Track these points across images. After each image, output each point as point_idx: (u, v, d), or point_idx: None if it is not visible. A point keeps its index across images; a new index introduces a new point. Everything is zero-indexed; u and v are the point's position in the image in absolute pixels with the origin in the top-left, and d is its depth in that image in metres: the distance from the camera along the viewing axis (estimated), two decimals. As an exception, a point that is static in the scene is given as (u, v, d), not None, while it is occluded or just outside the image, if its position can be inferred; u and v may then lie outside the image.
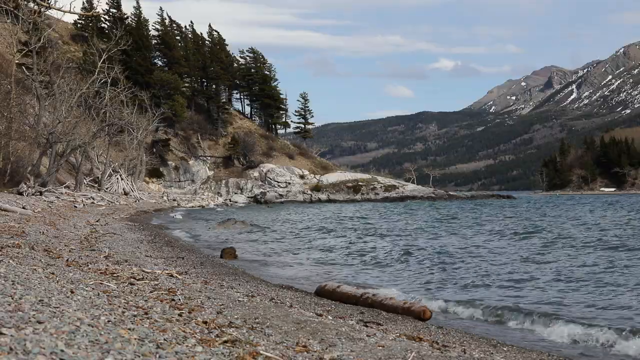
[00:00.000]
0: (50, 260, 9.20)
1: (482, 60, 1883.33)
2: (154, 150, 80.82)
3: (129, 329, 4.46)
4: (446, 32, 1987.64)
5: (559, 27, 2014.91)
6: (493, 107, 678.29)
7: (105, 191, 52.92)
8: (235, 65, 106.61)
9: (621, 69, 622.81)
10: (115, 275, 8.78)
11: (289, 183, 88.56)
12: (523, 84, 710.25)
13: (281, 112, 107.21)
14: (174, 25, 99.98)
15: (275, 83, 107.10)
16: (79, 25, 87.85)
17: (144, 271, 9.80)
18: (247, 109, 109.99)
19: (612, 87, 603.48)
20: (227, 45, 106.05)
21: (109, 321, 4.60)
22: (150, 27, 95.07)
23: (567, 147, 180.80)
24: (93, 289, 6.69)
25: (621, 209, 53.14)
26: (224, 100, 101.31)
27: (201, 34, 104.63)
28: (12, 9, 43.94)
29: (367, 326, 7.96)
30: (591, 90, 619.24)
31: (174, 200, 64.74)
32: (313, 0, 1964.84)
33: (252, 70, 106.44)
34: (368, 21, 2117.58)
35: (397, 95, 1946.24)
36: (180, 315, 5.84)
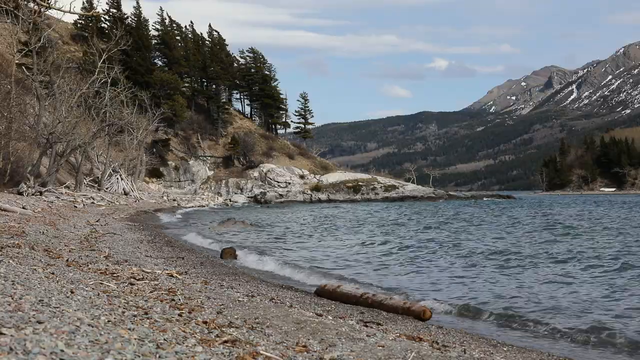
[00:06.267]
0: (50, 260, 9.20)
1: (478, 60, 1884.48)
2: (154, 150, 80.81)
3: (129, 329, 4.47)
4: (442, 32, 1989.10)
5: (557, 27, 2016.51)
6: (493, 107, 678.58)
7: (105, 191, 52.92)
8: (235, 65, 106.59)
9: (621, 69, 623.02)
10: (115, 275, 8.78)
11: (289, 183, 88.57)
12: (523, 84, 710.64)
13: (281, 112, 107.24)
14: (174, 25, 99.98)
15: (275, 83, 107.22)
16: (79, 25, 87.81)
17: (144, 271, 9.80)
18: (247, 109, 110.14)
19: (612, 87, 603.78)
20: (227, 45, 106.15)
21: (109, 321, 4.61)
22: (150, 27, 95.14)
23: (567, 147, 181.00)
24: (93, 289, 6.69)
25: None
26: (224, 100, 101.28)
27: (201, 34, 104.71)
28: (12, 9, 43.90)
29: (367, 326, 7.96)
30: (591, 90, 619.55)
31: (174, 200, 64.73)
32: (309, 0, 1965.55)
33: (252, 70, 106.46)
34: (363, 21, 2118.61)
35: (395, 95, 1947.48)
36: (180, 315, 5.84)
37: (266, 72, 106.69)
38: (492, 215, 47.86)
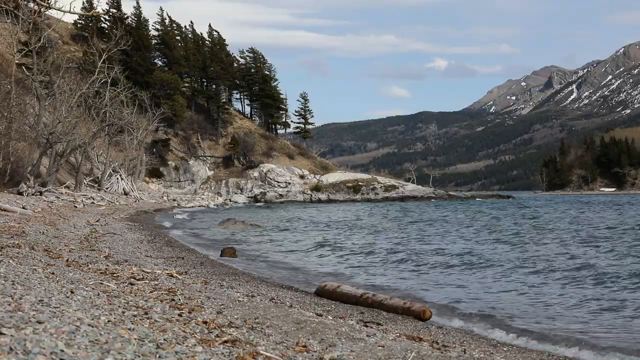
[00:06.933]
0: (50, 260, 9.20)
1: (478, 60, 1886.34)
2: (154, 150, 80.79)
3: (129, 329, 4.47)
4: (441, 32, 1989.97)
5: (557, 27, 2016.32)
6: (493, 107, 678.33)
7: (105, 191, 52.92)
8: (235, 65, 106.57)
9: (621, 69, 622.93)
10: (115, 275, 8.78)
11: (289, 183, 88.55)
12: (523, 84, 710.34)
13: (281, 112, 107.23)
14: (174, 25, 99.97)
15: (275, 83, 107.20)
16: (79, 25, 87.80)
17: (144, 271, 9.80)
18: (247, 109, 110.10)
19: (612, 87, 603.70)
20: (227, 45, 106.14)
21: (109, 321, 4.61)
22: (150, 27, 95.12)
23: (567, 147, 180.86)
24: (93, 289, 6.69)
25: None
26: (224, 100, 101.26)
27: (201, 34, 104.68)
28: (12, 9, 43.90)
29: (367, 326, 7.96)
30: (591, 90, 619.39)
31: (174, 200, 64.73)
32: (308, 1, 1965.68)
33: (252, 70, 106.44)
34: (363, 21, 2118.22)
35: (395, 95, 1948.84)
36: (180, 315, 5.84)
37: (266, 72, 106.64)
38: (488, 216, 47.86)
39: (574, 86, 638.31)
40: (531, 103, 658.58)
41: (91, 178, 55.67)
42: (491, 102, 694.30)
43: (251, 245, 22.87)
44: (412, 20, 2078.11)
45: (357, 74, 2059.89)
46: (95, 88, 50.94)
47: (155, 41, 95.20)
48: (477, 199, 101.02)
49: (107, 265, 10.00)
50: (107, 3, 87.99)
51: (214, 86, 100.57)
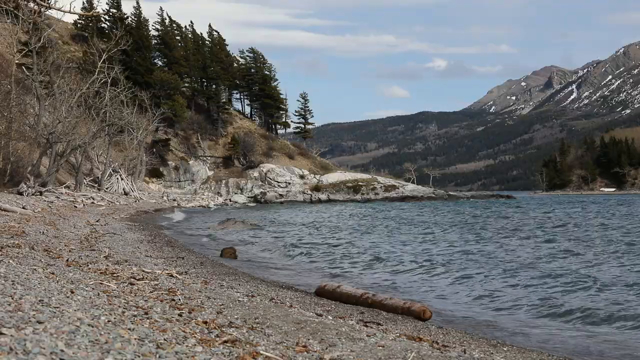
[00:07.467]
0: (50, 260, 9.20)
1: (477, 60, 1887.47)
2: (154, 150, 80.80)
3: (129, 329, 4.47)
4: (440, 33, 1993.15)
5: (557, 27, 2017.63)
6: (493, 107, 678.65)
7: (105, 191, 52.93)
8: (235, 65, 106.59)
9: (621, 69, 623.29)
10: (115, 275, 8.78)
11: (289, 183, 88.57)
12: (523, 84, 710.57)
13: (281, 112, 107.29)
14: (174, 25, 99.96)
15: (275, 83, 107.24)
16: (79, 25, 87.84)
17: (144, 271, 9.80)
18: (247, 109, 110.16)
19: (612, 87, 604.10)
20: (227, 45, 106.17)
21: (109, 321, 4.61)
22: (150, 27, 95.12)
23: (567, 147, 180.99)
24: (93, 289, 6.69)
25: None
26: (224, 100, 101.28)
27: (201, 34, 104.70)
28: (12, 9, 43.94)
29: (367, 326, 7.95)
30: (591, 90, 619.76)
31: (174, 200, 64.73)
32: (306, 1, 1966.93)
33: (252, 70, 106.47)
34: (362, 22, 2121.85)
35: (395, 95, 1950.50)
36: (180, 315, 5.84)
37: (266, 72, 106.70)
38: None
39: (573, 86, 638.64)
40: (531, 103, 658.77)
41: (91, 178, 55.69)
42: (491, 102, 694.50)
43: (251, 245, 22.87)
44: (410, 21, 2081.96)
45: (356, 74, 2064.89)
46: (95, 88, 50.95)
47: (155, 41, 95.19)
48: (471, 199, 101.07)
49: (107, 265, 9.99)
50: (107, 3, 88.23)
51: (214, 86, 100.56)
